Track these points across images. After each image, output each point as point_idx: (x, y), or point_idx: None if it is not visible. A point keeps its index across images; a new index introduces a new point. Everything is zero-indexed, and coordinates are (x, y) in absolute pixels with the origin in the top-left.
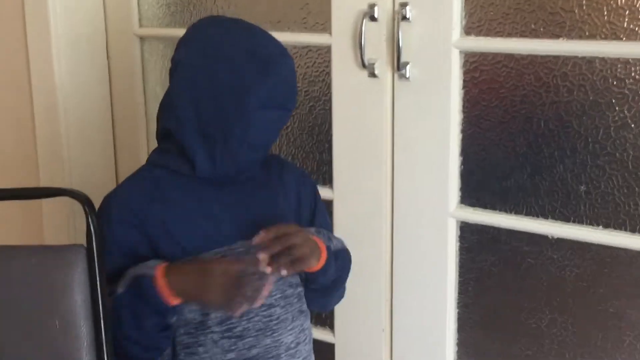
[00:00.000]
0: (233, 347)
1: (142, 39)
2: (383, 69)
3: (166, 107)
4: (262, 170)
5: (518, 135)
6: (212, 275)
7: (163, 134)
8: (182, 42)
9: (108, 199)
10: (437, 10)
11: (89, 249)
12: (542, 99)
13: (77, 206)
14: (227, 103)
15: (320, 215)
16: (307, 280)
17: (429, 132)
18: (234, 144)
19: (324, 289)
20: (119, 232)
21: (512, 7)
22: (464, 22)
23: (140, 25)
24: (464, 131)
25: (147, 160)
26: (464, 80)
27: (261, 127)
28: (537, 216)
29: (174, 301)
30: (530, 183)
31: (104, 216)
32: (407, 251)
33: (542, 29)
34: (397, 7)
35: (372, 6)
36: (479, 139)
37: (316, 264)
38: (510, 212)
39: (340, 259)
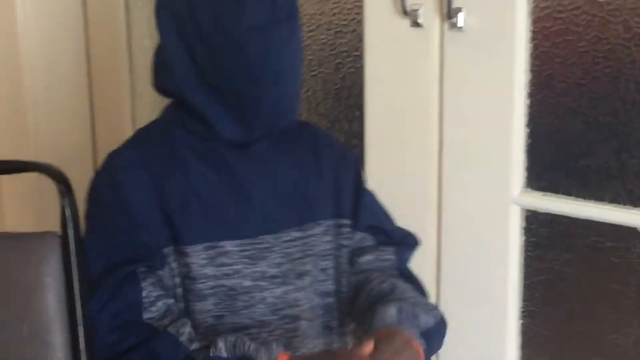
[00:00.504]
0: None
1: None
2: (429, 16)
3: (161, 68)
4: (293, 139)
5: (601, 101)
6: None
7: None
8: None
9: (113, 158)
10: None
11: (64, 237)
12: (632, 54)
13: (46, 185)
14: (217, 39)
15: (366, 209)
16: None
17: (487, 97)
18: (246, 88)
19: None
20: (132, 198)
21: None
22: None
23: None
24: (531, 96)
25: (161, 117)
26: (533, 31)
27: (267, 46)
28: (624, 204)
29: None
30: (615, 162)
31: (106, 182)
32: (457, 248)
33: None
34: None
35: None
36: (550, 105)
37: None
38: (589, 199)
39: (435, 336)
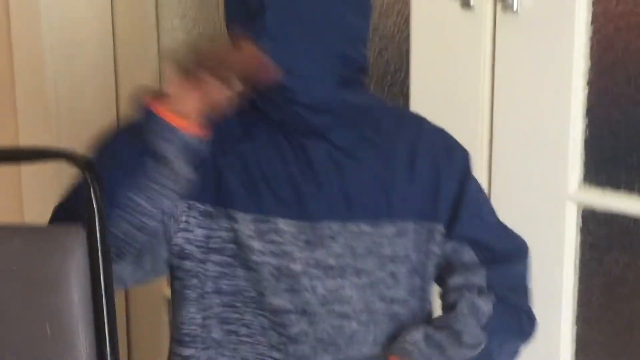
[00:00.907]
0: (281, 347)
1: None
2: None
3: None
4: (389, 132)
5: None
6: None
7: None
8: None
9: None
10: None
11: (89, 230)
12: None
13: (69, 175)
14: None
15: (467, 218)
16: None
17: (543, 84)
18: (270, 43)
19: None
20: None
21: None
22: None
23: None
24: (590, 84)
25: None
26: (594, 13)
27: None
28: None
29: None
30: None
31: None
32: None
33: None
34: None
35: None
36: (611, 95)
37: None
38: None
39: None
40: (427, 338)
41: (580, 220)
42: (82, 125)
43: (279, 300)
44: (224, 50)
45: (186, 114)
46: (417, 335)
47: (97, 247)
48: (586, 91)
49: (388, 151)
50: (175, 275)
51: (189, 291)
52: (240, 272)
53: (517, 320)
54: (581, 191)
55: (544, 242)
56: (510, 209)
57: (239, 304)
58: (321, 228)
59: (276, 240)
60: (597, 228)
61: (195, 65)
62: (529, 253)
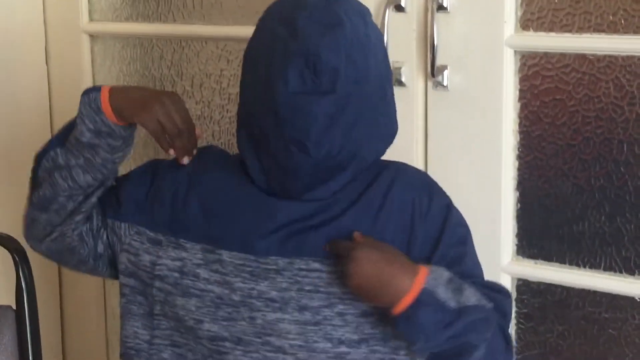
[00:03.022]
0: None
1: (93, 36)
2: (413, 75)
3: None
4: (364, 180)
5: (593, 163)
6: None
7: None
8: None
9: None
10: None
11: (18, 311)
12: (624, 114)
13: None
14: (260, 90)
15: (443, 262)
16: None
17: (475, 159)
18: (277, 146)
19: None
20: (163, 168)
21: None
22: (519, 13)
23: (91, 19)
24: (520, 158)
25: None
26: (521, 90)
27: (303, 119)
28: (620, 272)
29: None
30: (609, 227)
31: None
32: None
33: (623, 22)
34: None
35: None
36: (540, 168)
37: (387, 296)
38: (584, 267)
39: (466, 316)
40: (450, 279)
41: (515, 291)
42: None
43: (216, 328)
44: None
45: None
46: (442, 269)
47: (27, 328)
48: (516, 165)
49: (358, 199)
50: (122, 292)
51: (134, 307)
52: (179, 300)
53: (504, 343)
54: (514, 263)
55: None
56: None
57: (183, 330)
58: (266, 262)
59: (220, 270)
60: (531, 299)
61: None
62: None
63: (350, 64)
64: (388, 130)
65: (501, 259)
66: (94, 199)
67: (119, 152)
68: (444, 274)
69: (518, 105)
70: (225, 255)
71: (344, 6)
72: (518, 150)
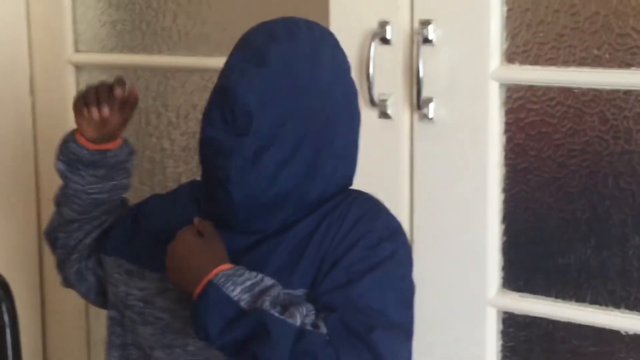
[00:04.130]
0: None
1: (78, 67)
2: (398, 107)
3: None
4: (313, 222)
5: (578, 196)
6: None
7: None
8: None
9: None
10: (470, 31)
11: (1, 343)
12: (609, 147)
13: None
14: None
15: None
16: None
17: (460, 191)
18: (207, 183)
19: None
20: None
21: (567, 27)
22: (505, 47)
23: (76, 50)
24: (506, 191)
25: None
26: (506, 123)
27: (222, 160)
28: (606, 305)
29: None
30: (595, 261)
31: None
32: (430, 353)
33: (607, 56)
34: (416, 26)
35: (383, 24)
36: (526, 201)
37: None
38: (569, 300)
39: (253, 324)
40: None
41: (501, 324)
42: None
43: (163, 355)
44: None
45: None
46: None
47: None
48: (502, 198)
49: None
50: (107, 324)
51: (114, 337)
52: (140, 329)
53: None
54: (500, 296)
55: (466, 346)
56: (431, 315)
57: (144, 358)
58: (163, 280)
59: (170, 298)
60: (516, 332)
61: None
62: None
63: (272, 106)
64: (337, 172)
65: (487, 292)
66: (87, 240)
67: (92, 185)
68: (252, 278)
69: (504, 138)
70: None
71: (291, 46)
72: (504, 183)
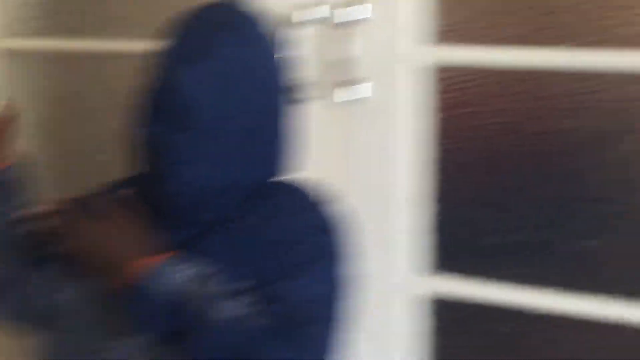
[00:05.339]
0: None
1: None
2: (328, 90)
3: None
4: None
5: (508, 177)
6: None
7: None
8: None
9: None
10: (397, 10)
11: None
12: (539, 125)
13: None
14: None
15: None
16: None
17: (372, 172)
18: (150, 176)
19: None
20: None
21: (496, 3)
22: (434, 26)
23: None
24: (435, 171)
25: None
26: (435, 103)
27: (154, 154)
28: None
29: None
30: (523, 241)
31: None
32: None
33: (536, 35)
34: (345, 7)
35: (316, 5)
36: (456, 181)
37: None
38: (497, 280)
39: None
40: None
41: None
42: None
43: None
44: None
45: None
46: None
47: None
48: (433, 178)
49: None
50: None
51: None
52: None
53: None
54: (432, 278)
55: (393, 335)
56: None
57: None
58: None
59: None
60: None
61: None
62: None
63: (215, 100)
64: (277, 162)
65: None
66: None
67: None
68: (191, 267)
69: (433, 118)
70: None
71: (235, 35)
72: (433, 163)
